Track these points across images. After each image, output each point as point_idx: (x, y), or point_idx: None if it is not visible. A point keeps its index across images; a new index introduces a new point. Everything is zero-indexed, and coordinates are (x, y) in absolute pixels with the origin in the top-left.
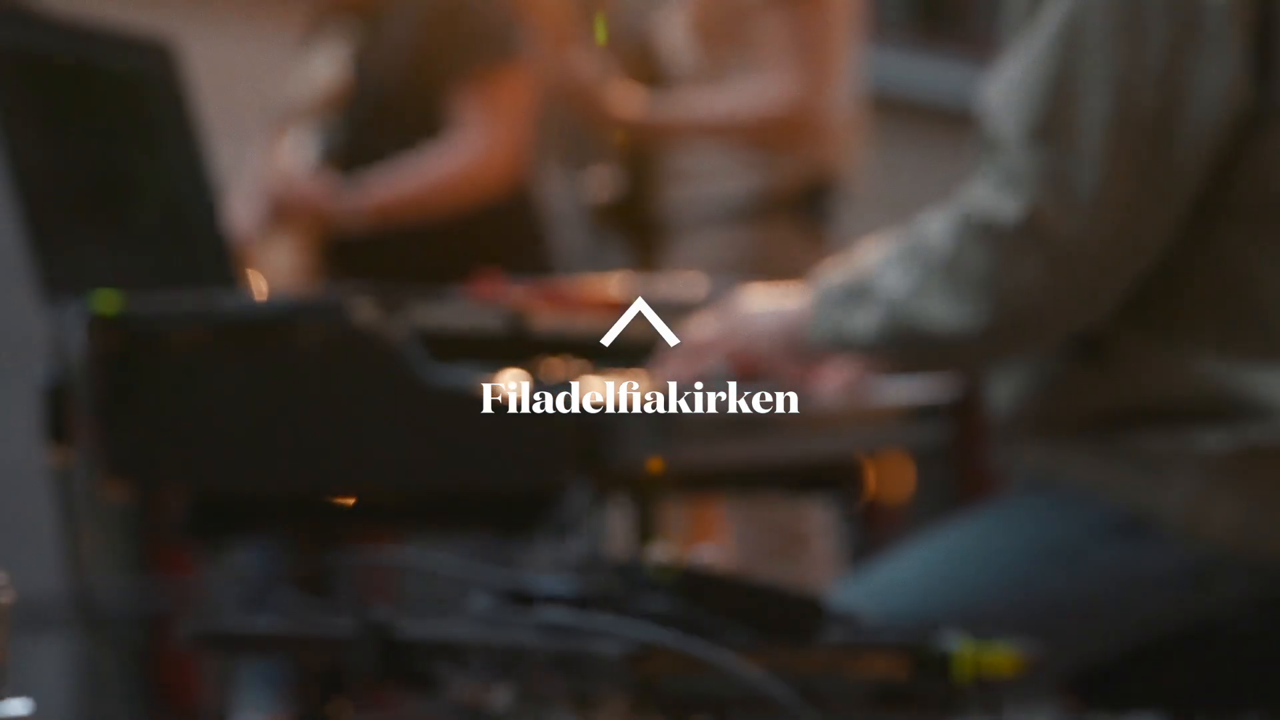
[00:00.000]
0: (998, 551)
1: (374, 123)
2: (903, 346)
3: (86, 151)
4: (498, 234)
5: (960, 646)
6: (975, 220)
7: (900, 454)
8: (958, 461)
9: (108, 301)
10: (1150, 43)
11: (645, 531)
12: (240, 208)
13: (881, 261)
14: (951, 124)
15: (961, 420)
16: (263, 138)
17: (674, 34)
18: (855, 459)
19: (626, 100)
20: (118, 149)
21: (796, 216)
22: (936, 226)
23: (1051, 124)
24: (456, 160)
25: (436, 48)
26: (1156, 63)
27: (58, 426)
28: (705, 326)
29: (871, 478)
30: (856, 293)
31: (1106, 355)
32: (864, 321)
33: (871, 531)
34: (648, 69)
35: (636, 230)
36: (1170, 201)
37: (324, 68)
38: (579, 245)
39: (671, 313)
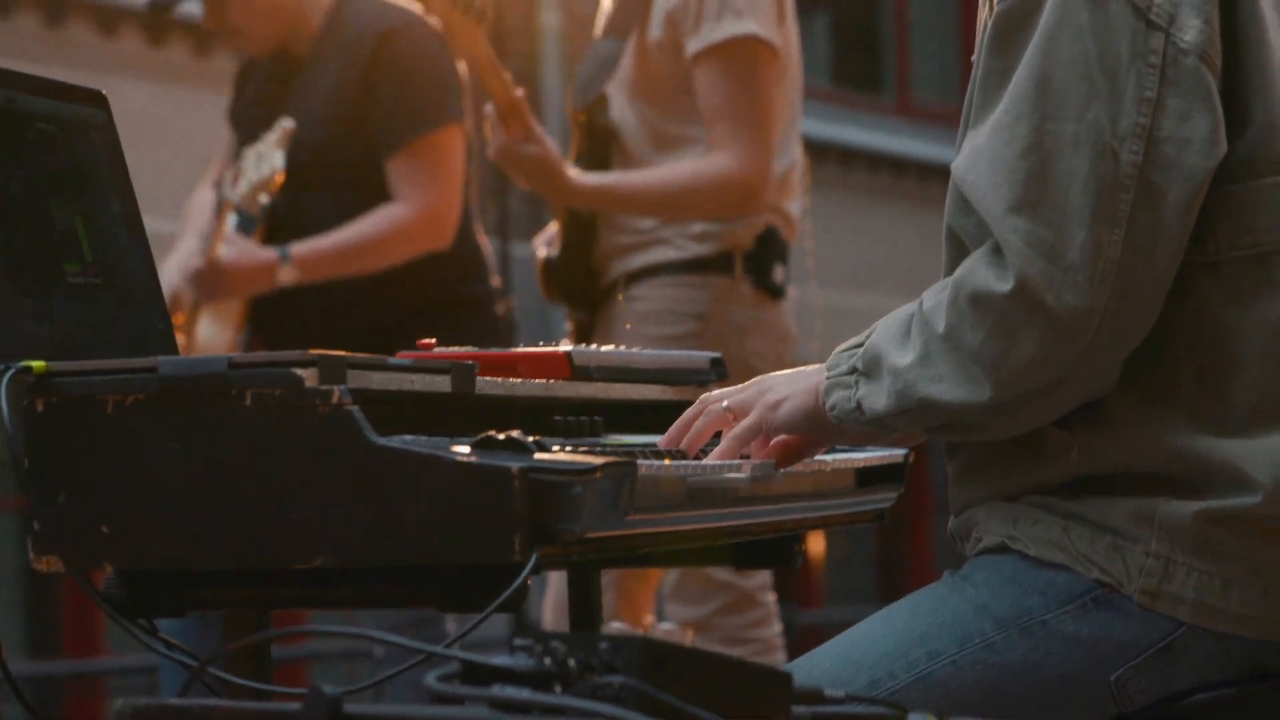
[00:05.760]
0: (956, 622)
1: (298, 180)
2: (917, 419)
3: (18, 206)
4: (440, 299)
5: None
6: (967, 296)
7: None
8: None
9: (36, 364)
10: (1123, 98)
11: (585, 604)
12: (173, 274)
13: (890, 335)
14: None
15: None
16: (198, 207)
17: (621, 103)
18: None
19: (581, 174)
20: (52, 203)
21: (745, 267)
22: (936, 300)
23: (1033, 192)
24: (389, 223)
25: (367, 111)
26: (1132, 118)
27: None
28: (738, 421)
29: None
30: (869, 366)
31: (1073, 423)
32: (876, 395)
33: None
34: (598, 137)
35: (583, 291)
36: (1163, 260)
37: (270, 155)
38: (525, 309)
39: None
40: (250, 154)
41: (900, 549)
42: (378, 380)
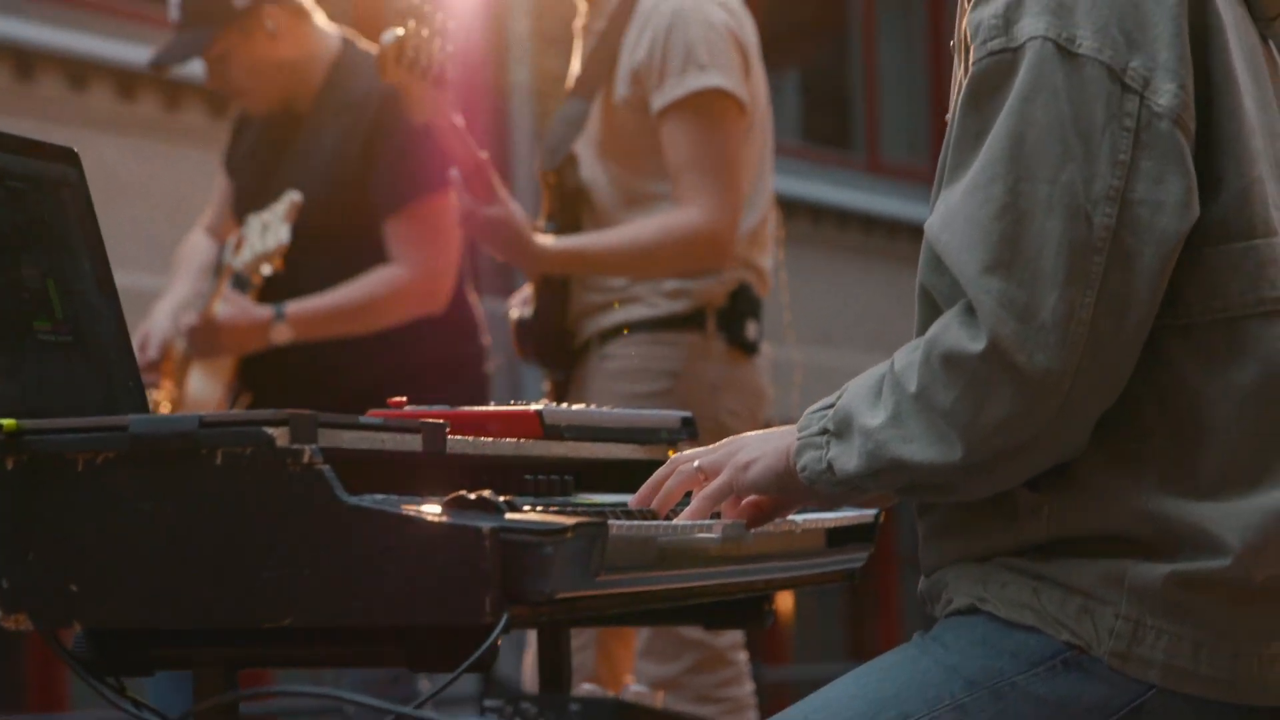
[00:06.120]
0: (926, 684)
1: (295, 238)
2: (887, 480)
3: None
4: (431, 356)
5: None
6: (940, 355)
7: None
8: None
9: (7, 422)
10: (1097, 161)
11: (555, 664)
12: (163, 320)
13: (861, 395)
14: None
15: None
16: (190, 251)
17: (591, 163)
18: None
19: (549, 240)
20: (23, 261)
21: (718, 324)
22: (908, 360)
23: (1006, 253)
24: (385, 285)
25: (367, 172)
26: (1106, 180)
27: None
28: (709, 481)
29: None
30: (840, 426)
31: (1043, 484)
32: (847, 456)
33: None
34: (569, 198)
35: (557, 351)
36: (1135, 322)
37: (277, 227)
38: (500, 368)
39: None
40: (255, 223)
41: (867, 606)
42: (349, 439)
